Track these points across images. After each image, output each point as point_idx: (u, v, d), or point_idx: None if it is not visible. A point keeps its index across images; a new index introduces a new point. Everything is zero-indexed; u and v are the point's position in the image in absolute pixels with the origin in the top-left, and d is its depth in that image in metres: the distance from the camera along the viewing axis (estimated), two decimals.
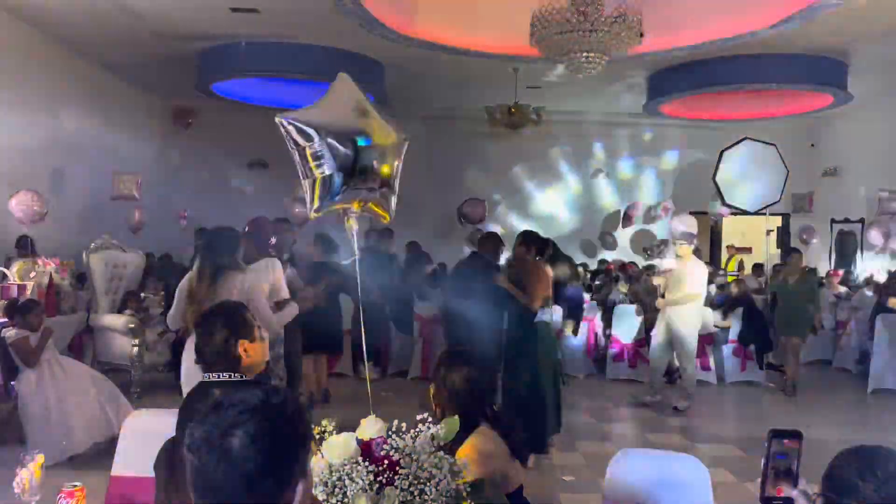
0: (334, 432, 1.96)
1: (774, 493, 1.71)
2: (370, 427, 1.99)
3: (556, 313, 5.89)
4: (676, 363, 8.52)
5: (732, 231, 14.14)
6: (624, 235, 13.06)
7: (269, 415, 1.24)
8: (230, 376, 2.46)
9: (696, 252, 7.65)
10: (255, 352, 2.55)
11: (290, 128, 3.88)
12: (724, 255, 13.23)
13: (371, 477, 1.84)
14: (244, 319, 2.58)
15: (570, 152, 13.38)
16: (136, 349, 7.21)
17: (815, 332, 8.65)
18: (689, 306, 7.21)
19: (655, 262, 8.93)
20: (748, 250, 12.81)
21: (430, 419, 2.04)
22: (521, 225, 13.22)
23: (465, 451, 2.25)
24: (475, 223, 12.42)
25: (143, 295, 7.81)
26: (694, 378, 7.49)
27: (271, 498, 1.21)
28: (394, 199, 3.38)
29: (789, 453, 1.71)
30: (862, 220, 11.56)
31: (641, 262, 11.00)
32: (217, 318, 2.57)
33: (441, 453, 1.92)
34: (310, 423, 1.33)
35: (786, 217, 13.48)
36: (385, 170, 3.36)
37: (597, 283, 11.28)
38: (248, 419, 1.22)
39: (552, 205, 13.40)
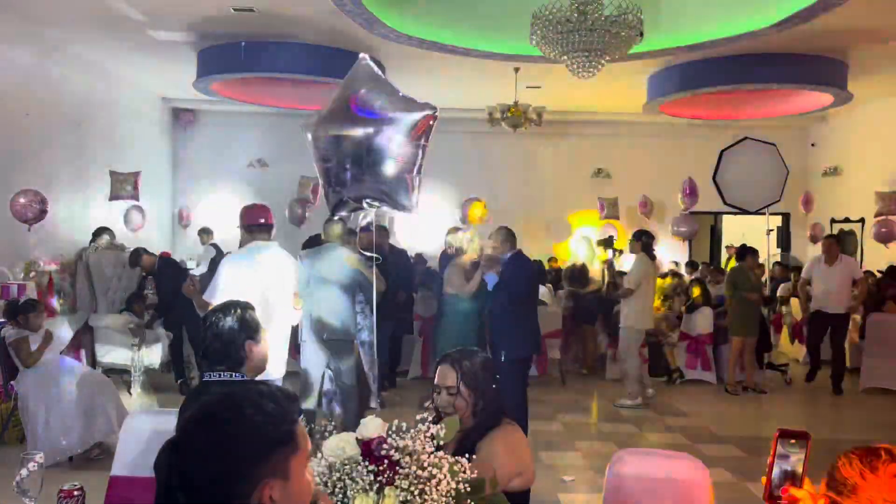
0: (334, 432, 1.95)
1: (779, 494, 1.71)
2: (370, 427, 1.98)
3: None
4: (672, 363, 8.57)
5: (732, 231, 14.15)
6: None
7: (233, 411, 1.25)
8: (231, 376, 2.46)
9: (647, 249, 7.61)
10: (259, 353, 2.55)
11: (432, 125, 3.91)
12: (724, 255, 13.25)
13: (371, 477, 1.83)
14: (252, 319, 2.58)
15: (570, 152, 13.37)
16: (136, 349, 7.22)
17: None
18: (627, 301, 7.28)
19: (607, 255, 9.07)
20: None
21: (430, 419, 2.04)
22: (521, 226, 13.24)
23: (498, 444, 2.27)
24: (476, 223, 12.40)
25: (145, 293, 7.83)
26: (633, 376, 7.33)
27: (232, 497, 1.21)
28: None
29: (796, 454, 1.71)
30: (862, 220, 11.55)
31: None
32: (225, 316, 2.57)
33: (441, 453, 1.92)
34: (291, 421, 1.30)
35: (786, 217, 13.48)
36: None
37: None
38: (210, 415, 1.24)
39: (552, 204, 13.39)
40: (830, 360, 8.18)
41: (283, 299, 4.38)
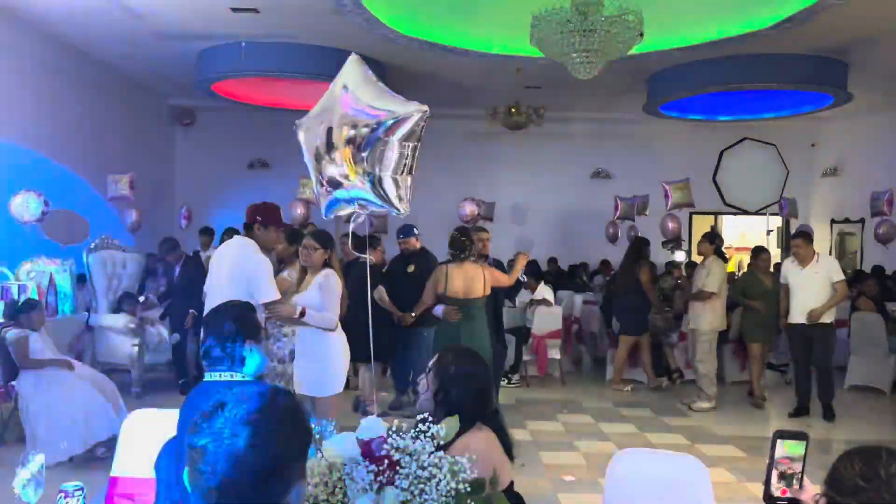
0: (335, 432, 1.96)
1: (779, 494, 1.72)
2: (370, 427, 1.98)
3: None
4: (672, 363, 8.57)
5: (732, 231, 14.16)
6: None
7: (275, 415, 1.24)
8: (231, 376, 2.46)
9: (718, 251, 7.54)
10: (259, 354, 2.56)
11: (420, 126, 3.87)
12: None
13: (371, 477, 1.83)
14: (253, 320, 2.58)
15: (570, 152, 13.37)
16: (136, 349, 7.22)
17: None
18: (703, 304, 7.20)
19: (675, 257, 8.90)
20: (748, 250, 12.78)
21: (430, 419, 2.04)
22: (522, 226, 13.25)
23: (461, 448, 2.25)
24: (475, 223, 12.38)
25: (141, 299, 7.81)
26: (709, 378, 7.27)
27: (276, 497, 1.22)
28: None
29: (795, 454, 1.71)
30: (862, 221, 11.56)
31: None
32: (226, 316, 2.58)
33: (441, 453, 1.92)
34: (309, 424, 1.33)
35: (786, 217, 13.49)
36: None
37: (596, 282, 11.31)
38: (254, 419, 1.22)
39: (552, 205, 13.41)
40: (816, 381, 6.97)
41: (243, 294, 3.96)
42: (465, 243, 5.43)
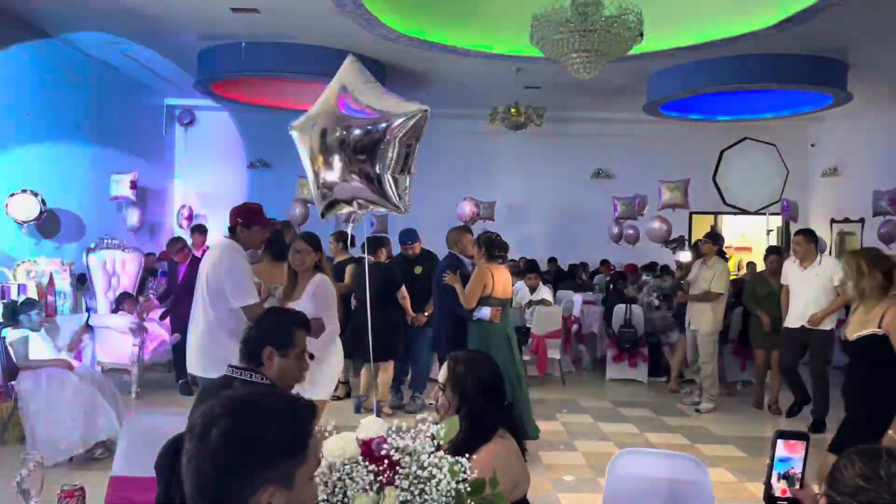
0: (334, 432, 1.96)
1: (779, 495, 1.72)
2: (370, 427, 1.98)
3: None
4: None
5: (732, 231, 14.16)
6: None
7: (250, 414, 1.25)
8: (251, 376, 2.48)
9: (720, 252, 7.56)
10: (280, 366, 2.52)
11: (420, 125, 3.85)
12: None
13: (371, 477, 1.83)
14: (287, 332, 2.57)
15: (570, 152, 13.37)
16: (136, 349, 7.22)
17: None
18: (707, 305, 7.18)
19: (678, 257, 8.87)
20: (748, 250, 12.81)
21: (429, 419, 2.04)
22: (522, 226, 13.24)
23: (487, 458, 2.22)
24: (472, 223, 12.39)
25: (140, 298, 7.81)
26: (712, 378, 7.26)
27: (232, 497, 1.21)
28: None
29: (795, 454, 1.72)
30: (862, 221, 11.55)
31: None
32: (268, 318, 2.68)
33: (441, 453, 1.92)
34: (305, 433, 1.29)
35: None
36: None
37: (595, 282, 11.30)
38: (227, 413, 1.23)
39: (552, 205, 13.40)
40: (812, 390, 6.66)
41: (215, 296, 4.05)
42: (506, 244, 5.60)
